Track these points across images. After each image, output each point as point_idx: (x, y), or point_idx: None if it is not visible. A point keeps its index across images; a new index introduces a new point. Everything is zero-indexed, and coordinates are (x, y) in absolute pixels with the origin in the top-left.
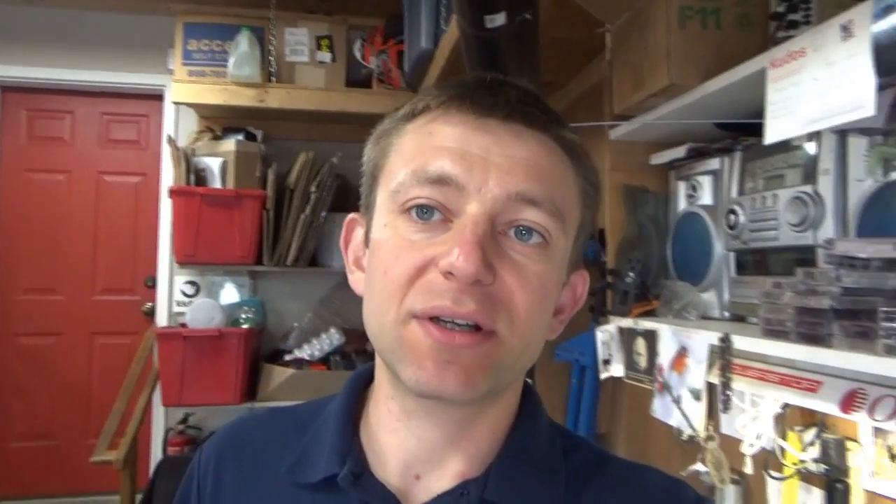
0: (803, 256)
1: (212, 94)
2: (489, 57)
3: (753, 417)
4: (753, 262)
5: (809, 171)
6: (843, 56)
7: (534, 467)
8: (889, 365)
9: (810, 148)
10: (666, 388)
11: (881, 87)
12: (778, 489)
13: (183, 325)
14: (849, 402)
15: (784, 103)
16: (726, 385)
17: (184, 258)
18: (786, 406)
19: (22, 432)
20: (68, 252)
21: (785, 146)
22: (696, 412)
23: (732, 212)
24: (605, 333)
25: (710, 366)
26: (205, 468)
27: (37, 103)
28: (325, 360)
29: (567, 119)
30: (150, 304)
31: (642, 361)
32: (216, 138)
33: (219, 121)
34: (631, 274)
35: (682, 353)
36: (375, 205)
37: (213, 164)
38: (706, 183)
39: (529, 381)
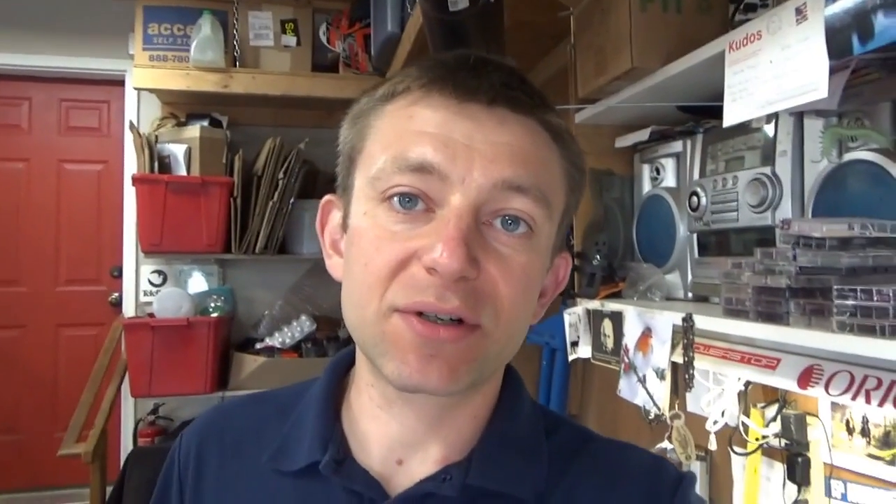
0: (763, 237)
1: (174, 79)
2: (453, 41)
3: (717, 395)
4: (715, 243)
5: (768, 153)
6: (798, 39)
7: (516, 450)
8: (843, 341)
9: (769, 130)
10: (632, 368)
11: (834, 70)
12: (741, 464)
13: (151, 315)
14: (806, 378)
15: (742, 86)
16: (689, 364)
17: (149, 247)
18: (748, 383)
19: None
20: (30, 242)
21: (744, 128)
22: (661, 391)
23: (695, 194)
24: (573, 316)
25: (674, 346)
26: (185, 456)
27: None
28: (296, 348)
29: None
30: (116, 294)
31: (609, 343)
32: (180, 125)
33: (182, 107)
34: (597, 257)
35: (646, 333)
36: (353, 189)
37: (177, 150)
38: (669, 165)
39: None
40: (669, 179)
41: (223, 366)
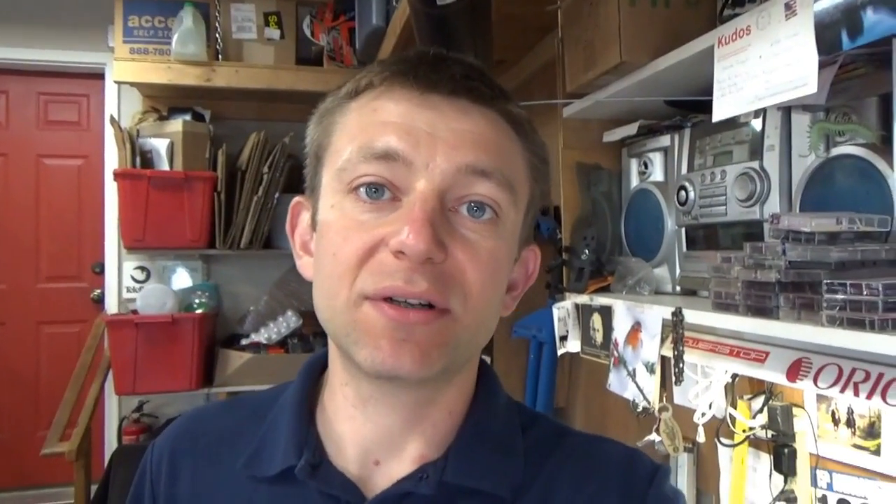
0: (751, 231)
1: (155, 72)
2: (441, 35)
3: (705, 388)
4: (703, 237)
5: (756, 148)
6: (787, 34)
7: (492, 446)
8: (832, 335)
9: (756, 125)
10: (621, 362)
11: (822, 65)
12: (728, 455)
13: (134, 312)
14: (794, 372)
15: (731, 81)
16: (679, 358)
17: (132, 243)
18: (735, 376)
19: None
20: (9, 239)
21: (732, 123)
22: (651, 385)
23: (683, 188)
24: (562, 310)
25: (664, 339)
26: (157, 465)
27: None
28: (282, 344)
29: (520, 97)
30: (98, 290)
31: (598, 337)
32: (162, 118)
33: (164, 100)
34: (586, 251)
35: (636, 327)
36: (321, 186)
37: (159, 145)
38: (657, 160)
39: (487, 359)
40: (657, 174)
41: (208, 362)
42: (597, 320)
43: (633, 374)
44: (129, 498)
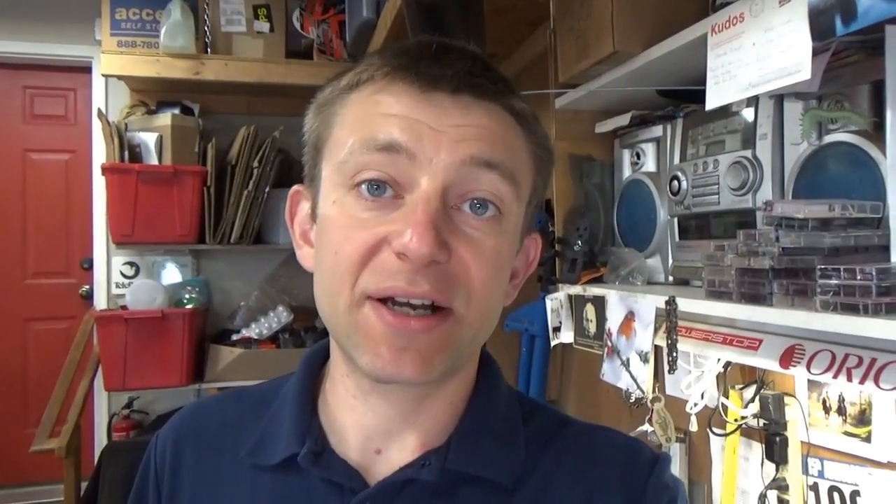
0: (743, 220)
1: (143, 66)
2: (433, 27)
3: (697, 377)
4: (695, 226)
5: (748, 136)
6: (781, 21)
7: (494, 435)
8: (826, 320)
9: (748, 114)
10: (615, 351)
11: (814, 53)
12: (720, 445)
13: (123, 308)
14: (787, 358)
15: (725, 69)
16: (673, 347)
17: (121, 238)
18: (727, 365)
19: None
20: None
21: (725, 112)
22: (644, 374)
23: (675, 178)
24: (555, 301)
25: (657, 329)
26: (161, 456)
27: None
28: (273, 339)
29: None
30: (86, 286)
31: (592, 327)
32: (150, 112)
33: (152, 94)
34: (578, 242)
35: (629, 317)
36: (321, 177)
37: (148, 139)
38: (649, 150)
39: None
40: (650, 164)
41: (199, 358)
42: (590, 311)
43: (626, 364)
44: (134, 490)
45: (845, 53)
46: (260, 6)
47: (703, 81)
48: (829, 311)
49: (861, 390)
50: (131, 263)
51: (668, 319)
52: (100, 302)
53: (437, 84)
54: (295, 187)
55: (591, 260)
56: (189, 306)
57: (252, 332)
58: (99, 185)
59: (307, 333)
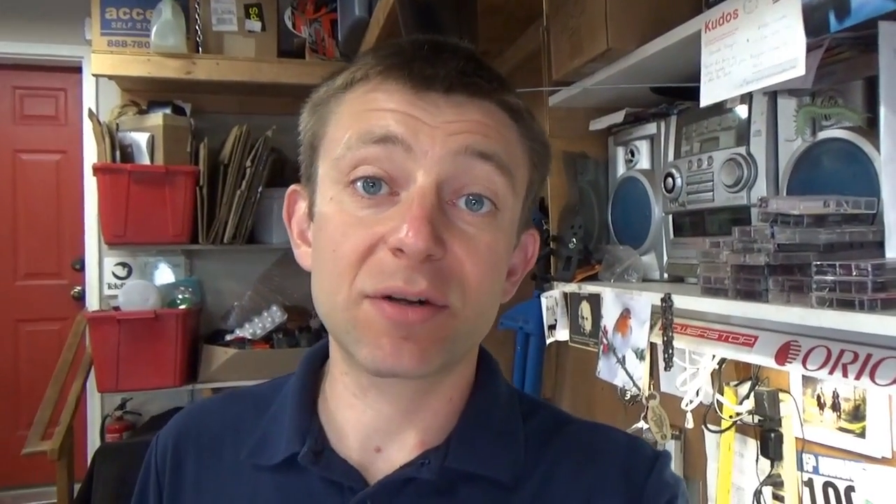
0: (738, 216)
1: (134, 65)
2: (426, 25)
3: (692, 374)
4: (690, 223)
5: (742, 133)
6: (775, 17)
7: (493, 433)
8: (822, 316)
9: (741, 111)
10: (611, 349)
11: (809, 49)
12: (715, 441)
13: (116, 309)
14: (783, 355)
15: (719, 65)
16: (669, 344)
17: (113, 239)
18: (722, 362)
19: None
20: None
21: (718, 109)
22: (640, 371)
23: (670, 175)
24: (550, 299)
25: (652, 326)
26: (161, 456)
27: None
28: (267, 339)
29: None
30: (78, 287)
31: (587, 325)
32: (141, 112)
33: (143, 94)
34: (573, 240)
35: (625, 314)
36: (318, 176)
37: (139, 139)
38: (644, 147)
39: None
40: (644, 161)
41: (192, 358)
42: (585, 308)
43: (622, 361)
44: (136, 492)
45: (838, 50)
46: (251, 5)
47: (697, 78)
48: (824, 307)
49: (857, 386)
50: (123, 264)
51: (664, 316)
52: (92, 303)
53: (429, 84)
54: (292, 187)
55: (585, 258)
56: (182, 307)
57: (246, 332)
58: (90, 185)
59: (301, 333)
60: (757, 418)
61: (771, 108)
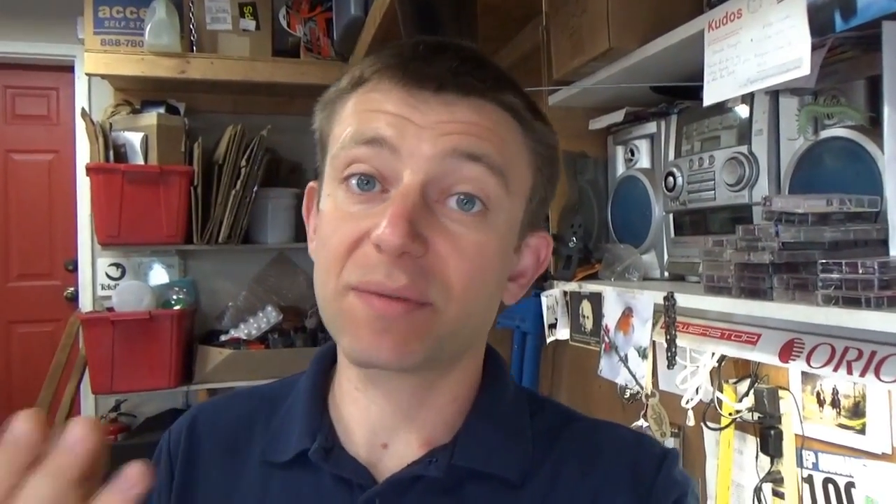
0: (739, 215)
1: (128, 64)
2: (426, 22)
3: (692, 372)
4: (690, 222)
5: (744, 132)
6: (780, 17)
7: (501, 431)
8: (827, 313)
9: (743, 110)
10: (612, 347)
11: (812, 48)
12: (714, 439)
13: (110, 310)
14: (787, 352)
15: (722, 65)
16: (672, 342)
17: (107, 239)
18: (722, 360)
19: None
20: None
21: (720, 108)
22: (643, 370)
23: (671, 174)
24: (550, 298)
25: (654, 324)
26: (174, 446)
27: None
28: (263, 339)
29: None
30: (71, 288)
31: (588, 324)
32: (135, 112)
33: (136, 93)
34: (573, 239)
35: (627, 313)
36: (324, 173)
37: (133, 138)
38: (643, 147)
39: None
40: (644, 161)
41: (187, 359)
42: (586, 307)
43: (625, 360)
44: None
45: (840, 49)
46: (246, 4)
47: (698, 78)
48: (830, 304)
49: (862, 383)
50: (117, 265)
51: (667, 315)
52: (85, 304)
53: (421, 83)
54: (310, 184)
55: (585, 257)
56: (177, 307)
57: (241, 332)
58: (83, 185)
59: (296, 333)
60: (757, 415)
61: (773, 108)
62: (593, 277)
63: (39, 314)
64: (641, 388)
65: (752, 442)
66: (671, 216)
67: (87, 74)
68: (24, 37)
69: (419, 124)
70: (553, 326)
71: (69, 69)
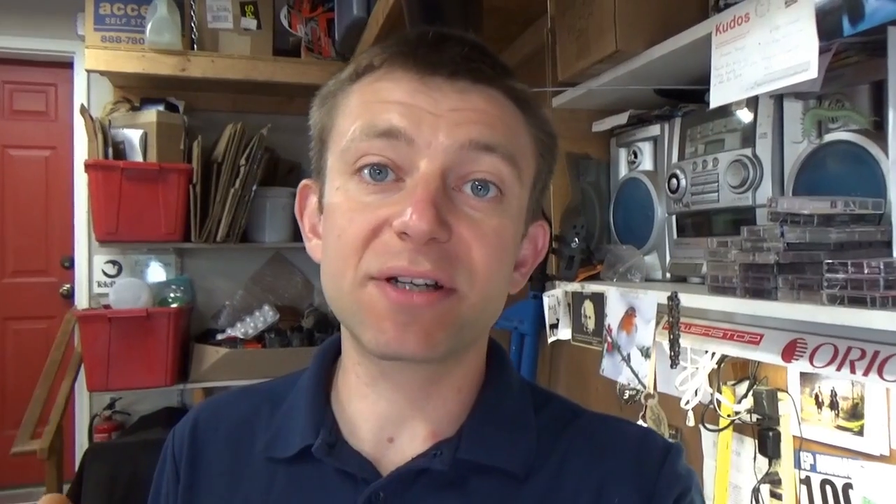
0: (742, 217)
1: (129, 61)
2: (432, 21)
3: (692, 374)
4: (693, 224)
5: (748, 135)
6: (787, 20)
7: (505, 424)
8: (832, 313)
9: (743, 114)
10: (615, 347)
11: (818, 52)
12: (712, 440)
13: (106, 307)
14: (790, 352)
15: (729, 68)
16: (675, 342)
17: (105, 236)
18: (721, 362)
19: None
20: None
21: (724, 111)
22: (646, 369)
23: (674, 176)
24: (552, 298)
25: (657, 324)
26: (178, 447)
27: None
28: (259, 338)
29: None
30: (67, 285)
31: (590, 324)
32: (134, 109)
33: (136, 91)
34: (576, 240)
35: (630, 313)
36: (326, 168)
37: (132, 136)
38: (646, 149)
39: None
40: (646, 163)
41: (183, 358)
42: (588, 307)
43: (627, 360)
44: (154, 482)
45: (846, 54)
46: (247, 3)
47: (703, 81)
48: (835, 304)
49: (864, 382)
50: (114, 262)
51: (671, 315)
52: (81, 301)
53: (434, 69)
54: (304, 182)
55: (588, 258)
56: (174, 305)
57: (237, 331)
58: (80, 182)
59: (293, 333)
60: (755, 417)
61: (777, 111)
62: (595, 278)
63: (35, 311)
64: (644, 387)
65: (749, 443)
66: (674, 218)
67: (87, 71)
68: (22, 32)
69: (434, 113)
70: (554, 326)
71: (68, 65)
